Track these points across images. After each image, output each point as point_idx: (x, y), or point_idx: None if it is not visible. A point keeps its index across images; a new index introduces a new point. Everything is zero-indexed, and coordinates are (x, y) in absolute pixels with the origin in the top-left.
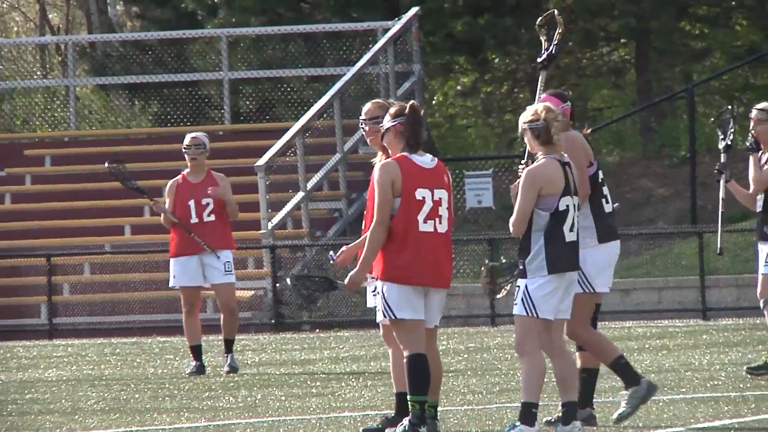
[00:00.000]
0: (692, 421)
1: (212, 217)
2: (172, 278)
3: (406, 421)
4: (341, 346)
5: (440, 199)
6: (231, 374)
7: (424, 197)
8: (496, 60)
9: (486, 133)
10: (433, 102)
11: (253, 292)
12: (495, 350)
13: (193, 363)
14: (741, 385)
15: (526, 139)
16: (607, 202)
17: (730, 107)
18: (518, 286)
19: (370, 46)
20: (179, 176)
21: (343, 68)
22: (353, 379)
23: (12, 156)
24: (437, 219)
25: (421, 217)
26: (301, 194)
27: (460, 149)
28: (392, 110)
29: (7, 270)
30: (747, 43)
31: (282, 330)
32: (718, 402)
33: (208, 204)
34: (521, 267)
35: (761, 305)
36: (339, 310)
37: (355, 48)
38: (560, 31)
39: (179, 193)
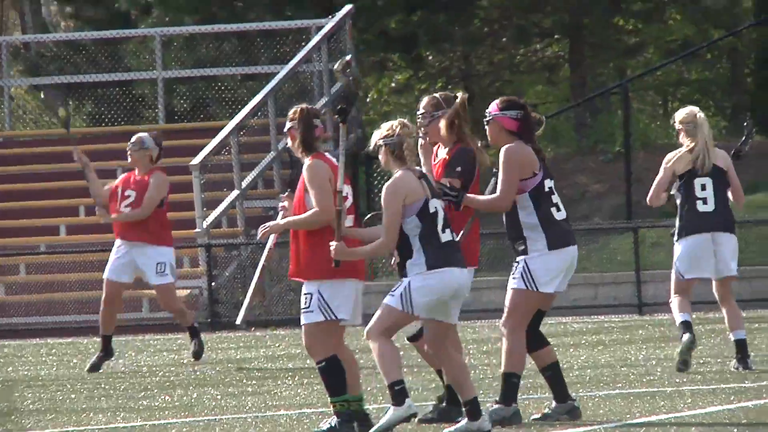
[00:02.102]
0: (628, 416)
1: (129, 209)
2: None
3: (334, 420)
4: (277, 345)
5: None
6: (195, 361)
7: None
8: (430, 57)
9: None
10: (368, 99)
11: (188, 291)
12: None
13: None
14: (677, 380)
15: (380, 156)
16: (558, 210)
17: (749, 120)
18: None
19: (304, 44)
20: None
21: (277, 66)
22: (289, 378)
23: None
24: None
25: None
26: (236, 193)
27: None
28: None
29: None
30: (680, 37)
31: (218, 329)
32: (654, 397)
33: (128, 195)
34: (404, 269)
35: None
36: (275, 309)
37: (289, 46)
38: (352, 79)
39: (119, 183)
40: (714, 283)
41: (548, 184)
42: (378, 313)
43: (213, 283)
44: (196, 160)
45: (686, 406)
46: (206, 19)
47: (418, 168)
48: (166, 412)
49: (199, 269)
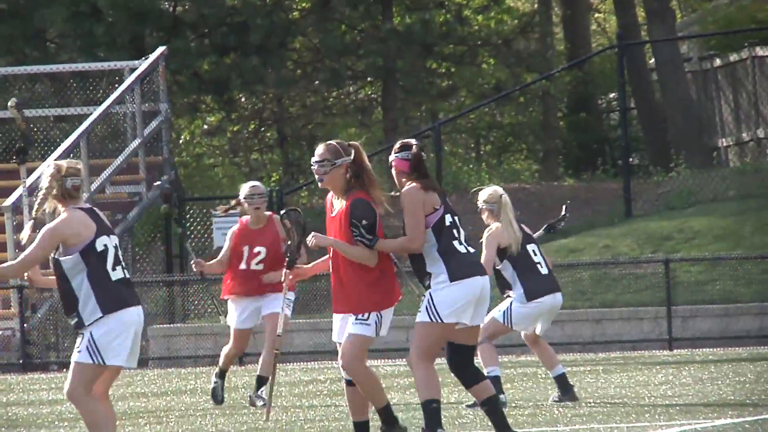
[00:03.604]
0: None
1: None
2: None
3: None
4: None
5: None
6: None
7: None
8: (243, 99)
9: (233, 172)
10: (180, 141)
11: (0, 332)
12: (243, 390)
13: None
14: (488, 423)
15: (49, 196)
16: (461, 243)
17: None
18: (83, 335)
19: (117, 85)
20: None
21: (90, 108)
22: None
23: None
24: None
25: None
26: None
27: (207, 188)
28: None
29: None
30: (493, 81)
31: (30, 370)
32: None
33: None
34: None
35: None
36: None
37: (102, 87)
38: (20, 123)
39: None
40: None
41: (449, 219)
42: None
43: (25, 325)
44: (8, 201)
45: None
46: (19, 60)
47: (86, 204)
48: None
49: (11, 311)
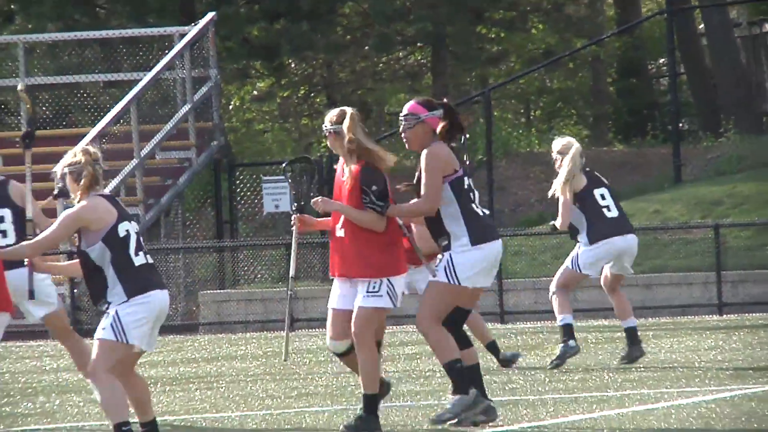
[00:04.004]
0: (491, 424)
1: None
2: None
3: None
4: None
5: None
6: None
7: None
8: (293, 65)
9: (283, 138)
10: (230, 107)
11: None
12: (294, 355)
13: None
14: (539, 389)
15: (66, 183)
16: (477, 206)
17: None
18: (107, 314)
19: (167, 51)
20: None
21: (140, 74)
22: (151, 385)
23: None
24: None
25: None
26: None
27: (257, 154)
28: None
29: None
30: (543, 46)
31: (80, 336)
32: (517, 405)
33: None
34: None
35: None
36: None
37: (152, 53)
38: (28, 107)
39: None
40: (609, 276)
41: (467, 181)
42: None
43: (75, 290)
44: (59, 167)
45: (548, 414)
46: (69, 26)
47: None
48: (29, 419)
49: (60, 277)
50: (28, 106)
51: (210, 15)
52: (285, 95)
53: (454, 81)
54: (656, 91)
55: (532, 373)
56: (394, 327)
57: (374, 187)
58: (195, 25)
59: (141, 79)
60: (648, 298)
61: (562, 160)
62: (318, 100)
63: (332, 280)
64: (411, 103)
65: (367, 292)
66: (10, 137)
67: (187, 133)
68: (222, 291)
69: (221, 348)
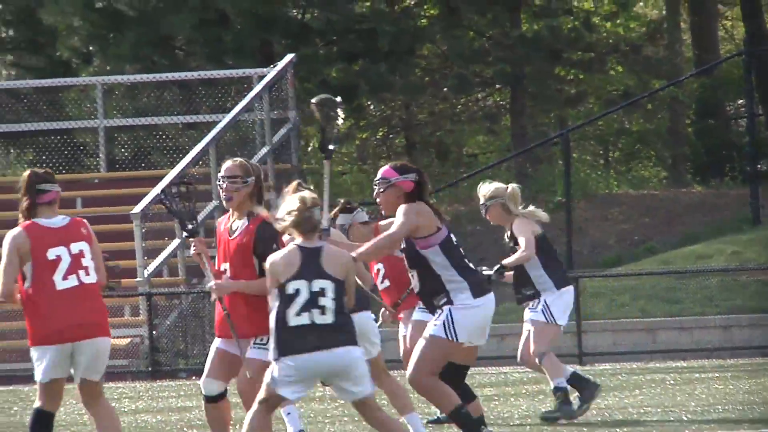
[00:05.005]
0: None
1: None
2: None
3: None
4: None
5: (81, 251)
6: None
7: (58, 255)
8: (371, 106)
9: (362, 180)
10: (309, 149)
11: (129, 339)
12: None
13: None
14: (617, 430)
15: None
16: (468, 261)
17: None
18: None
19: (245, 93)
20: None
21: (219, 115)
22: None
23: None
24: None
25: (58, 276)
26: (177, 241)
27: (336, 196)
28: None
29: None
30: (621, 88)
31: (158, 378)
32: None
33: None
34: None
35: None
36: None
37: (231, 95)
38: (317, 117)
39: None
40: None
41: (453, 237)
42: None
43: (154, 332)
44: (138, 208)
45: None
46: (147, 68)
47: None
48: None
49: (140, 318)
50: (317, 116)
51: (289, 56)
52: (363, 137)
53: (532, 122)
54: (734, 131)
55: (610, 413)
56: (472, 368)
57: (274, 246)
58: (274, 66)
59: (220, 121)
60: (726, 339)
61: (490, 207)
62: (397, 141)
63: None
64: (385, 167)
65: (255, 343)
66: (88, 179)
67: (267, 175)
68: None
69: None
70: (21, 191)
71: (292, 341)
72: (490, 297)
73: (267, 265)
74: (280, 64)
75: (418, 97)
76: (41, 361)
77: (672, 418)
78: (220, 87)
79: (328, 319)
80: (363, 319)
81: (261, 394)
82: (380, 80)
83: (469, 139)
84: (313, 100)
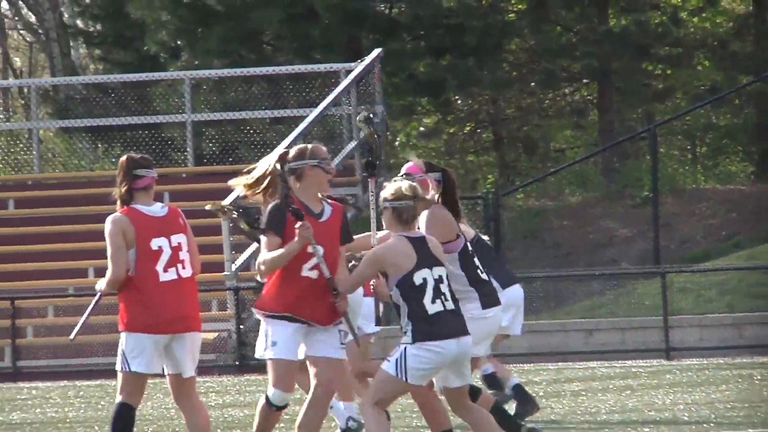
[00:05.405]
0: None
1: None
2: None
3: None
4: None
5: (179, 244)
6: None
7: (160, 246)
8: (459, 101)
9: None
10: (396, 143)
11: (216, 333)
12: None
13: None
14: (705, 425)
15: (383, 218)
16: (482, 272)
17: None
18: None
19: (333, 87)
20: None
21: (306, 110)
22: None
23: None
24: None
25: (160, 267)
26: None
27: None
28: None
29: None
30: (709, 83)
31: (246, 372)
32: None
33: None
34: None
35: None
36: None
37: (318, 89)
38: (367, 134)
39: None
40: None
41: (470, 248)
42: None
43: (241, 326)
44: (225, 203)
45: None
46: (235, 62)
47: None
48: None
49: (227, 312)
50: (368, 135)
51: (376, 51)
52: (451, 131)
53: (619, 117)
54: None
55: (697, 409)
56: (560, 363)
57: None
58: (361, 61)
59: (307, 116)
60: None
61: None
62: (484, 136)
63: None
64: (409, 164)
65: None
66: (176, 173)
67: (353, 170)
68: None
69: None
70: (119, 177)
71: (434, 328)
72: (499, 309)
73: (373, 254)
74: (368, 59)
75: (505, 92)
76: (137, 351)
77: (759, 414)
78: (308, 81)
79: (451, 305)
80: (362, 300)
81: (373, 396)
82: (468, 75)
83: (556, 134)
84: (359, 118)
